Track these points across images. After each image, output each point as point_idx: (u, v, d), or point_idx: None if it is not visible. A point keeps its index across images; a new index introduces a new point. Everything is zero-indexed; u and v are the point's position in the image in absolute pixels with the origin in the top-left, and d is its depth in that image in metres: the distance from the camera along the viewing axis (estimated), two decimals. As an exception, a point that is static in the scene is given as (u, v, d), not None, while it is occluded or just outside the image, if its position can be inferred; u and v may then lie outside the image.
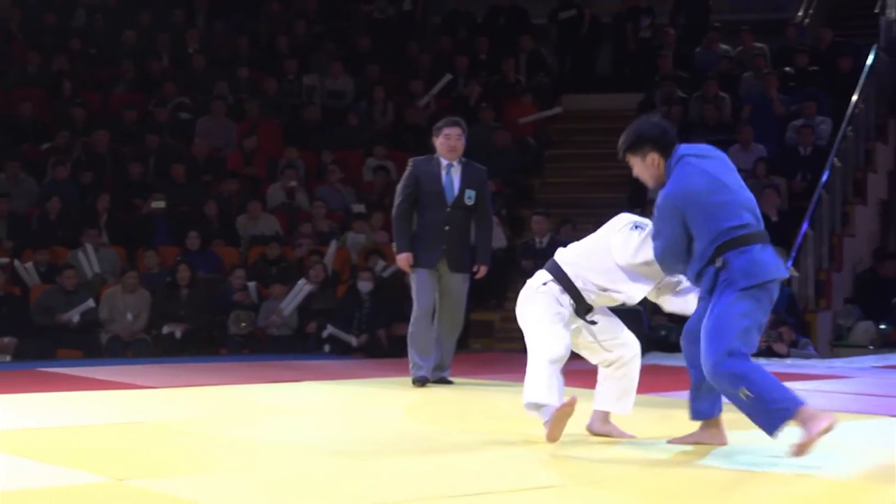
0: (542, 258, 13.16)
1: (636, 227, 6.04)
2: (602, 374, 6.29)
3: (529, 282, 6.29)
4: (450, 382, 9.20)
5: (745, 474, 5.18)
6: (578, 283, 6.07)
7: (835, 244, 14.58)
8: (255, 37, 18.17)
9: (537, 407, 5.97)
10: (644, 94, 16.70)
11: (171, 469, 5.37)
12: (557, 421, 5.86)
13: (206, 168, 15.56)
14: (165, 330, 12.97)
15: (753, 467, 5.34)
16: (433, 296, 9.17)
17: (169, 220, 14.60)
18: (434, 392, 8.72)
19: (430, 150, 14.95)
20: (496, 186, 15.50)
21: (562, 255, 6.22)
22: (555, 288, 6.11)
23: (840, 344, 13.72)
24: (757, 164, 14.77)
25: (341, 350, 12.83)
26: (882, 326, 13.76)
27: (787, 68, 16.41)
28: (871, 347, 13.42)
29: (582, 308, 6.08)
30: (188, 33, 17.77)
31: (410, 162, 9.41)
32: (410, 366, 9.12)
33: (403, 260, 9.17)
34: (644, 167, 5.99)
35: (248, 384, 9.36)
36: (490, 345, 14.06)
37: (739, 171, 16.24)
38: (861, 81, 15.30)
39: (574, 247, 6.22)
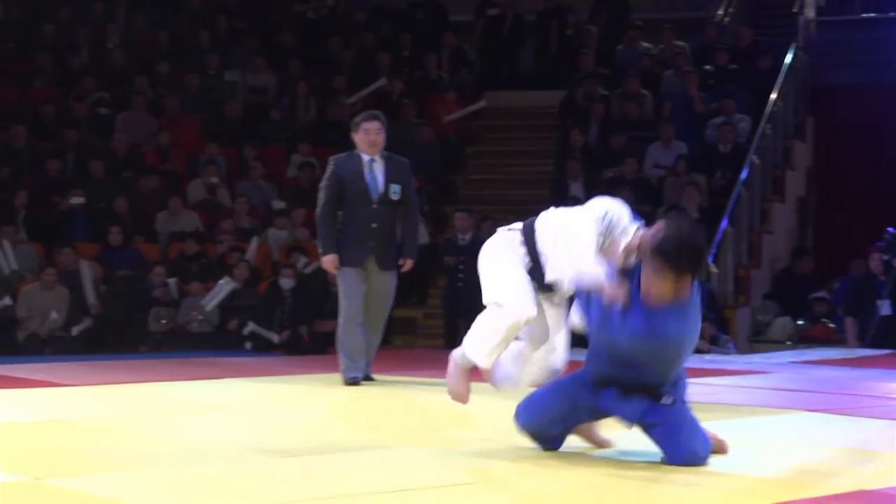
0: (465, 255, 13.30)
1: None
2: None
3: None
4: (371, 379, 9.07)
5: (656, 474, 5.19)
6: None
7: (754, 241, 14.74)
8: (176, 32, 18.01)
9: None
10: (566, 91, 16.77)
11: (91, 468, 5.30)
12: (462, 377, 5.74)
13: (126, 164, 15.41)
14: (75, 331, 12.84)
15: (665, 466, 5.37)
16: (361, 296, 8.95)
17: (87, 217, 14.44)
18: (355, 390, 8.69)
19: (354, 146, 14.88)
20: (419, 183, 15.45)
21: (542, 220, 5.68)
22: (517, 238, 5.66)
23: (759, 340, 13.87)
24: (678, 161, 14.90)
25: (263, 347, 12.76)
26: (800, 322, 13.92)
27: (708, 66, 16.56)
28: (788, 343, 13.57)
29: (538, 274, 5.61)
30: (108, 27, 17.58)
31: (331, 160, 9.19)
32: (342, 367, 8.93)
33: (329, 262, 8.93)
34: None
35: (168, 381, 9.27)
36: (412, 341, 14.06)
37: (660, 168, 16.43)
38: (780, 80, 15.47)
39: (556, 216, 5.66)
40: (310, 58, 17.75)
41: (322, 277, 13.29)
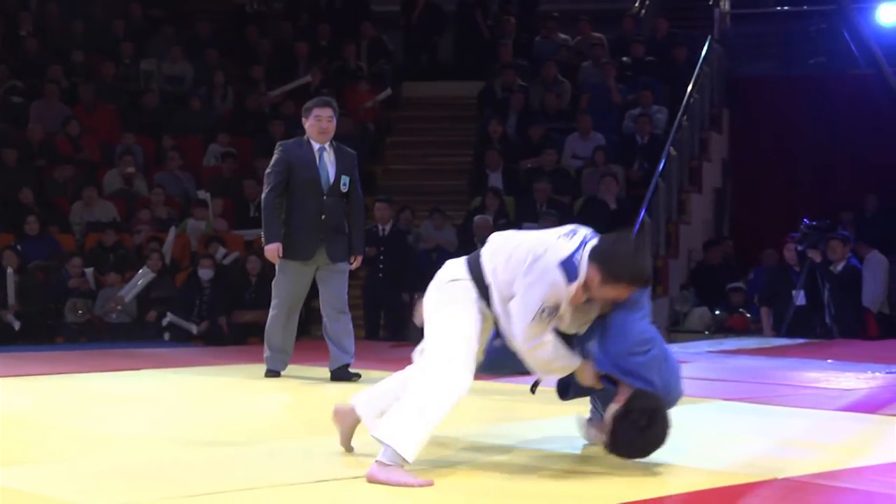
0: (385, 245, 13.29)
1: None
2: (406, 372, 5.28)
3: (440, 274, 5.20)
4: (358, 375, 8.58)
5: (571, 465, 5.22)
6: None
7: (671, 231, 14.87)
8: (90, 20, 17.78)
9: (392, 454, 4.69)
10: (485, 82, 16.81)
11: (6, 460, 5.24)
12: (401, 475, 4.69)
13: (40, 153, 15.20)
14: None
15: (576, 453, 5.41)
16: (300, 291, 8.65)
17: (1, 206, 14.23)
18: (275, 381, 8.64)
19: (272, 137, 14.87)
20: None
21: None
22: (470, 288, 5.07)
23: (677, 329, 13.98)
24: (596, 151, 14.99)
25: (181, 338, 12.68)
26: (717, 312, 14.06)
27: (625, 58, 16.67)
28: (706, 333, 13.70)
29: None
30: (21, 15, 17.31)
31: (279, 146, 8.70)
32: (266, 357, 8.69)
33: (273, 251, 8.45)
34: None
35: (86, 373, 9.18)
36: (332, 332, 13.99)
37: (578, 159, 16.44)
38: (696, 72, 15.60)
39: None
40: (227, 47, 17.64)
41: (241, 268, 13.24)
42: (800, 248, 12.79)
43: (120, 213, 14.56)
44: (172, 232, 14.08)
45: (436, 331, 4.98)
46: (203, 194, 14.84)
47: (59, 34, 17.37)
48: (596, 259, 4.87)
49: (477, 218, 13.92)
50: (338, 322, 8.64)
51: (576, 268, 4.86)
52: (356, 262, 8.79)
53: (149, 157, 15.82)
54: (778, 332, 12.76)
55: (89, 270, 13.38)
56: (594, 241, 4.98)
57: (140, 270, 13.22)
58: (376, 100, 16.90)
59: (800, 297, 12.60)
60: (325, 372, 8.73)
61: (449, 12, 18.02)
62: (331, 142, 8.61)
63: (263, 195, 8.57)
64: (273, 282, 8.76)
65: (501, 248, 5.07)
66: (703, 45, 16.05)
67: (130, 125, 15.91)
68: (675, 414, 6.66)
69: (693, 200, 15.64)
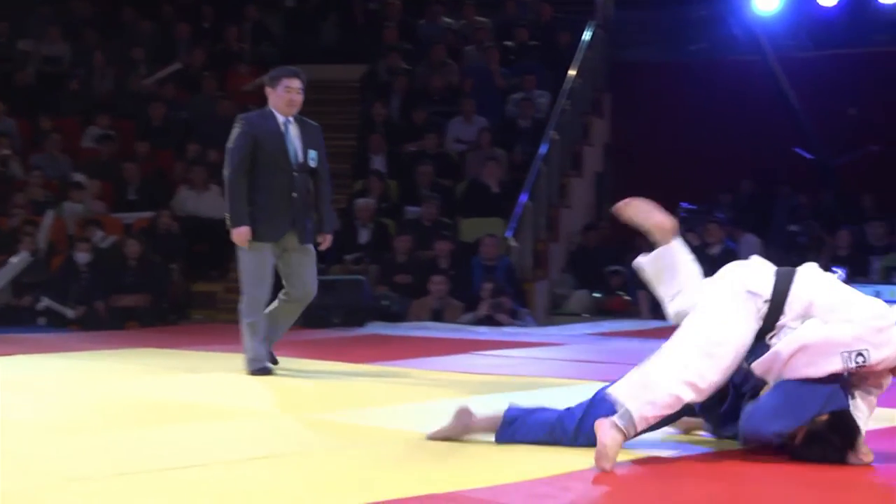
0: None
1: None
2: None
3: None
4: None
5: (455, 446, 5.24)
6: None
7: (552, 215, 14.96)
8: (-36, -2, 17.42)
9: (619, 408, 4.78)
10: (369, 65, 16.76)
11: None
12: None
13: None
14: None
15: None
16: (270, 274, 7.93)
17: None
18: (148, 366, 8.54)
19: (151, 119, 14.63)
20: (219, 156, 15.29)
21: None
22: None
23: (557, 312, 14.08)
24: (482, 133, 15.05)
25: (57, 323, 12.47)
26: (596, 295, 14.19)
27: (508, 42, 16.73)
28: (585, 315, 13.82)
29: None
30: None
31: (241, 119, 8.02)
32: (250, 354, 7.89)
33: (243, 234, 7.79)
34: None
35: (-43, 359, 9.00)
36: (213, 315, 13.87)
37: (461, 142, 16.42)
38: (578, 56, 15.70)
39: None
40: (106, 28, 17.37)
41: (119, 252, 13.06)
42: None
43: (-5, 195, 14.29)
44: (49, 215, 13.83)
45: (698, 329, 4.91)
46: (80, 177, 14.61)
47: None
48: None
49: (359, 201, 13.91)
50: (298, 309, 8.06)
51: None
52: (326, 242, 8.17)
53: (25, 138, 15.54)
54: (656, 315, 12.89)
55: (-37, 254, 13.13)
56: None
57: (16, 254, 12.97)
58: (256, 83, 16.74)
59: (675, 280, 12.74)
60: (207, 355, 8.66)
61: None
62: (295, 115, 7.99)
63: (227, 173, 7.91)
64: (240, 268, 8.01)
65: (835, 308, 4.84)
66: (586, 29, 16.15)
67: (6, 106, 15.60)
68: (553, 396, 6.73)
69: (574, 184, 15.76)
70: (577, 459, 4.81)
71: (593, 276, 14.29)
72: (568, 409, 5.07)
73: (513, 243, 13.66)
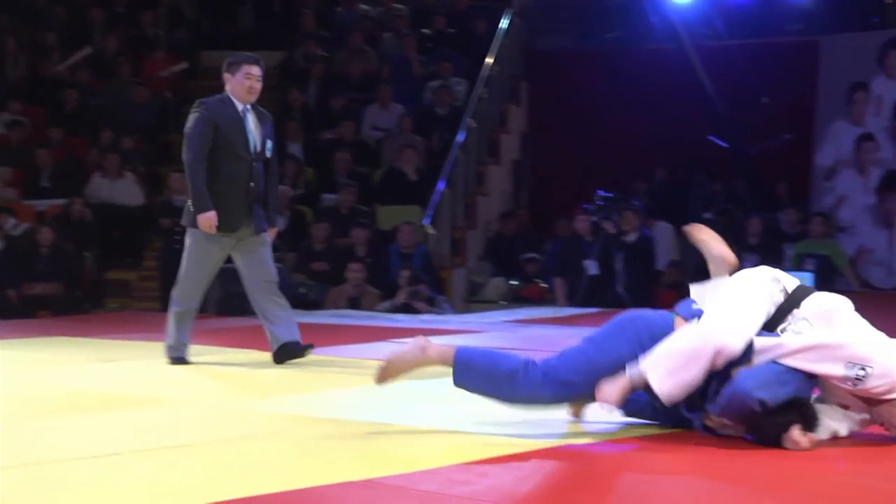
0: (179, 217, 13.06)
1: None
2: None
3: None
4: (308, 348, 7.84)
5: (375, 429, 5.24)
6: None
7: (470, 203, 14.99)
8: None
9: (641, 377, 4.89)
10: (285, 52, 16.68)
11: None
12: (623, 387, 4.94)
13: None
14: None
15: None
16: (217, 266, 7.79)
17: None
18: (62, 353, 8.45)
19: (65, 105, 14.41)
20: (134, 143, 15.18)
21: None
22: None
23: (474, 300, 14.12)
24: (402, 119, 15.05)
25: (-31, 312, 12.31)
26: (513, 282, 14.24)
27: (426, 30, 16.72)
28: (503, 303, 13.87)
29: None
30: None
31: (201, 104, 7.75)
32: (171, 342, 7.75)
33: (211, 219, 7.54)
34: None
35: None
36: (127, 304, 13.78)
37: (381, 129, 16.39)
38: (495, 44, 15.72)
39: None
40: (18, 12, 17.11)
41: (31, 239, 12.90)
42: (594, 219, 13.04)
43: None
44: (-40, 203, 13.65)
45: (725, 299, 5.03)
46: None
47: None
48: None
49: (276, 189, 13.83)
50: (274, 295, 7.79)
51: None
52: (272, 236, 7.95)
53: (-65, 125, 15.31)
54: (571, 302, 13.00)
55: None
56: None
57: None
58: (173, 70, 16.61)
59: (592, 268, 12.85)
60: (123, 344, 8.56)
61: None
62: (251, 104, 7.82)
63: (188, 158, 7.64)
64: (184, 254, 7.79)
65: (855, 324, 5.00)
66: (503, 17, 16.17)
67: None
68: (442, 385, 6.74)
69: (492, 172, 15.79)
70: (495, 446, 4.83)
71: (510, 263, 14.34)
72: (529, 359, 5.10)
73: (430, 231, 13.67)
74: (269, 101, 16.21)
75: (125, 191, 14.27)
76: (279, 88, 16.22)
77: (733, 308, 4.94)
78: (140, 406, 6.05)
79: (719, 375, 4.91)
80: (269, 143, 7.81)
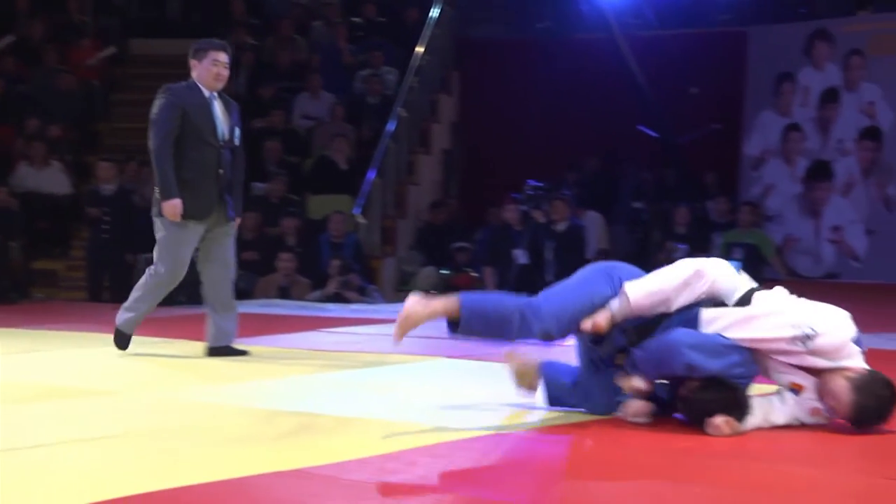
0: (109, 206, 12.96)
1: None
2: None
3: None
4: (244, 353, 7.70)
5: (307, 420, 5.23)
6: None
7: (400, 192, 14.97)
8: None
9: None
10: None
11: None
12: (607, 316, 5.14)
13: None
14: None
15: (316, 411, 5.42)
16: (190, 255, 7.57)
17: None
18: (8, 345, 8.36)
19: None
20: (61, 132, 15.00)
21: None
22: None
23: (405, 289, 14.06)
24: (334, 107, 15.01)
25: None
26: (444, 272, 14.24)
27: (356, 18, 16.67)
28: (433, 292, 13.83)
29: None
30: None
31: (167, 89, 7.59)
32: (123, 318, 7.65)
33: (176, 207, 7.37)
34: None
35: None
36: (54, 294, 13.63)
37: (311, 118, 16.30)
38: (426, 33, 15.71)
39: None
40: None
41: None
42: (523, 208, 13.07)
43: None
44: None
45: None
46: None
47: None
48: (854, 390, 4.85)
49: (205, 178, 13.73)
50: (228, 290, 7.67)
51: None
52: (237, 224, 7.80)
53: None
54: (501, 291, 13.00)
55: None
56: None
57: None
58: (99, 57, 16.44)
59: (521, 257, 12.88)
60: (53, 335, 8.46)
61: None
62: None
63: (155, 144, 7.45)
64: (158, 244, 7.56)
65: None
66: (433, 7, 16.16)
67: None
68: (400, 372, 6.76)
69: (422, 161, 15.79)
70: (424, 435, 4.84)
71: (440, 252, 14.34)
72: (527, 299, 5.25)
73: (360, 220, 13.64)
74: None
75: (52, 180, 14.11)
76: (208, 77, 16.10)
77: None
78: (70, 396, 5.98)
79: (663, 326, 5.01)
80: (236, 131, 7.68)
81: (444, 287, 13.90)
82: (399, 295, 13.66)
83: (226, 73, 7.64)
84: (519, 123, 16.36)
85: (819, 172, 15.06)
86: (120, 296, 12.58)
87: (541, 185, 13.16)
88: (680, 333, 4.91)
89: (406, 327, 5.34)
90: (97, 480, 4.08)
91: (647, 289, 5.06)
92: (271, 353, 7.71)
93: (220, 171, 7.56)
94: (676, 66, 15.65)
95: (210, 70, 7.57)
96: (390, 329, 9.37)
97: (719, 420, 4.81)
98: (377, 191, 14.07)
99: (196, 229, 7.52)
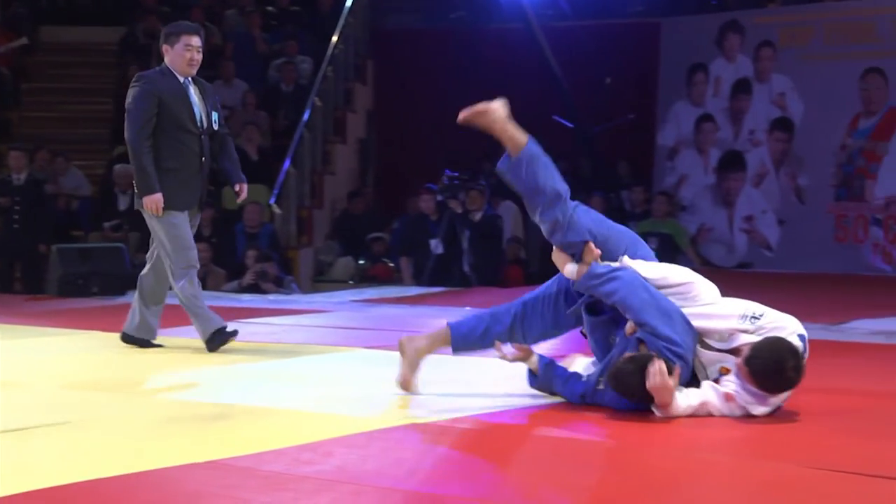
0: (20, 195, 12.77)
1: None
2: None
3: None
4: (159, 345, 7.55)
5: (222, 410, 5.20)
6: None
7: (316, 182, 14.93)
8: None
9: None
10: (126, 27, 16.40)
11: None
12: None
13: None
14: None
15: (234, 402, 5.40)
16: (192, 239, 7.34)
17: None
18: None
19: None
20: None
21: None
22: None
23: (322, 280, 14.07)
24: (246, 94, 14.91)
25: None
26: (361, 262, 14.23)
27: (270, 7, 16.59)
28: (350, 282, 13.84)
29: None
30: None
31: (141, 77, 7.37)
32: (205, 327, 7.33)
33: (157, 201, 7.14)
34: None
35: None
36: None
37: (224, 107, 16.26)
38: (340, 22, 15.65)
39: None
40: None
41: None
42: (440, 198, 13.08)
43: None
44: None
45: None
46: None
47: None
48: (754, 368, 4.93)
49: (118, 167, 13.57)
50: (167, 286, 7.45)
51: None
52: (244, 192, 7.67)
53: None
54: (418, 281, 13.02)
55: None
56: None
57: None
58: (11, 46, 16.20)
59: (438, 247, 12.90)
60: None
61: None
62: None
63: (131, 135, 7.21)
64: (165, 241, 7.28)
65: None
66: (349, -5, 16.13)
67: None
68: (317, 363, 6.73)
69: (338, 151, 15.74)
70: (339, 425, 4.83)
71: (357, 242, 14.32)
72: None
73: (276, 210, 13.57)
74: (109, 78, 16.01)
75: (-39, 170, 13.90)
76: (119, 65, 15.94)
77: None
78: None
79: None
80: (214, 115, 7.45)
81: (361, 277, 13.92)
82: (316, 285, 13.64)
83: (199, 57, 7.42)
84: (434, 113, 16.25)
85: (731, 163, 15.20)
86: (31, 286, 12.52)
87: (457, 175, 13.16)
88: (637, 295, 5.12)
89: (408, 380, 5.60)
90: (5, 474, 4.03)
91: (644, 268, 5.25)
92: (186, 345, 7.65)
93: (203, 159, 7.37)
94: (591, 56, 15.70)
95: (183, 55, 7.34)
96: (307, 320, 9.42)
97: (657, 366, 4.89)
98: (293, 180, 14.01)
99: (187, 219, 7.33)
